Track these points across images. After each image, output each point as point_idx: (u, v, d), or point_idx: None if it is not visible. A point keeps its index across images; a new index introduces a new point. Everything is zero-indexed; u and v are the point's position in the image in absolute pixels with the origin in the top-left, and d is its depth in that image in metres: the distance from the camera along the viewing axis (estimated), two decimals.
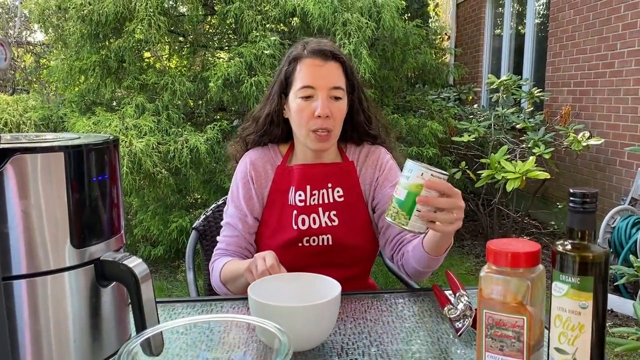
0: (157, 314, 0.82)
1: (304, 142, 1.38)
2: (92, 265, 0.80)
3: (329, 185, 1.41)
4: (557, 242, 0.74)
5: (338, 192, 1.41)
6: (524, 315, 0.74)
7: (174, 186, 3.96)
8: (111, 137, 0.85)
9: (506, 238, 0.80)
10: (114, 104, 4.40)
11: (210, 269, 1.44)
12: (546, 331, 0.78)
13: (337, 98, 1.35)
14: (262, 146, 1.47)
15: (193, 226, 1.67)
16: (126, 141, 3.56)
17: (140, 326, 0.80)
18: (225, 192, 1.55)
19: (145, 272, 0.81)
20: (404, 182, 1.07)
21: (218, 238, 1.46)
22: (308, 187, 1.39)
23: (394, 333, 1.06)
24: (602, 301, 0.70)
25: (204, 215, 1.68)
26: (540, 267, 0.77)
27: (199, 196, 4.47)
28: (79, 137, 0.85)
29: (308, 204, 1.39)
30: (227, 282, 1.34)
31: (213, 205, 1.72)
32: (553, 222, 5.01)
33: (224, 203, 1.74)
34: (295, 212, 1.38)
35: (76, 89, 4.46)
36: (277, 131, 1.44)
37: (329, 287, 1.03)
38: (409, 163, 1.08)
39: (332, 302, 0.97)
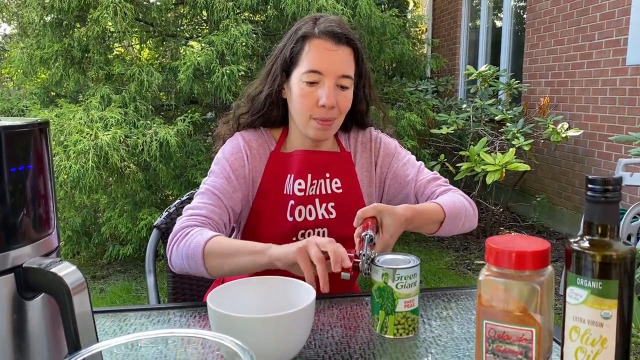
0: (95, 330, 0.69)
1: (303, 129, 1.26)
2: (12, 273, 0.66)
3: (327, 175, 1.30)
4: (572, 239, 0.62)
5: (336, 183, 1.30)
6: (532, 326, 0.62)
7: (143, 182, 3.77)
8: (38, 120, 0.71)
9: (509, 235, 0.68)
10: (80, 97, 4.19)
11: (178, 236, 1.14)
12: (555, 345, 0.66)
13: (344, 87, 1.23)
14: (254, 129, 1.33)
15: (154, 224, 1.52)
16: (91, 134, 3.36)
17: (74, 346, 0.66)
18: (197, 187, 1.39)
19: (80, 281, 0.67)
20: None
21: (190, 206, 1.22)
22: (309, 176, 1.28)
23: (377, 342, 0.94)
24: (629, 310, 0.58)
25: (167, 212, 1.54)
26: (550, 268, 0.65)
27: (170, 192, 4.29)
28: (0, 120, 0.71)
29: (307, 193, 1.27)
30: (225, 255, 1.09)
31: (177, 201, 1.57)
32: (532, 215, 4.97)
33: (189, 198, 1.59)
34: (292, 202, 1.26)
35: (38, 80, 4.24)
36: (276, 113, 1.30)
37: (301, 293, 0.89)
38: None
39: (306, 310, 0.83)
